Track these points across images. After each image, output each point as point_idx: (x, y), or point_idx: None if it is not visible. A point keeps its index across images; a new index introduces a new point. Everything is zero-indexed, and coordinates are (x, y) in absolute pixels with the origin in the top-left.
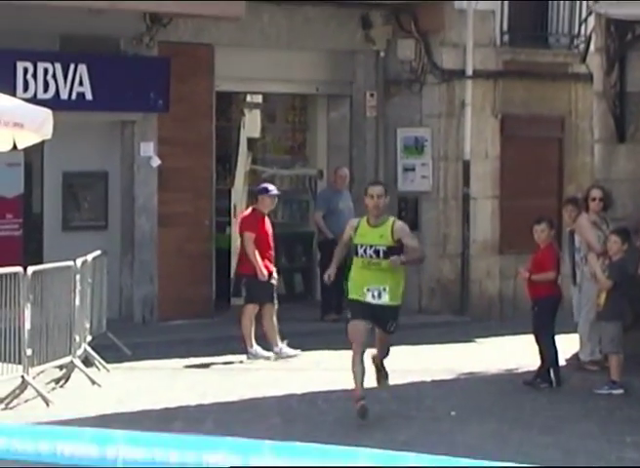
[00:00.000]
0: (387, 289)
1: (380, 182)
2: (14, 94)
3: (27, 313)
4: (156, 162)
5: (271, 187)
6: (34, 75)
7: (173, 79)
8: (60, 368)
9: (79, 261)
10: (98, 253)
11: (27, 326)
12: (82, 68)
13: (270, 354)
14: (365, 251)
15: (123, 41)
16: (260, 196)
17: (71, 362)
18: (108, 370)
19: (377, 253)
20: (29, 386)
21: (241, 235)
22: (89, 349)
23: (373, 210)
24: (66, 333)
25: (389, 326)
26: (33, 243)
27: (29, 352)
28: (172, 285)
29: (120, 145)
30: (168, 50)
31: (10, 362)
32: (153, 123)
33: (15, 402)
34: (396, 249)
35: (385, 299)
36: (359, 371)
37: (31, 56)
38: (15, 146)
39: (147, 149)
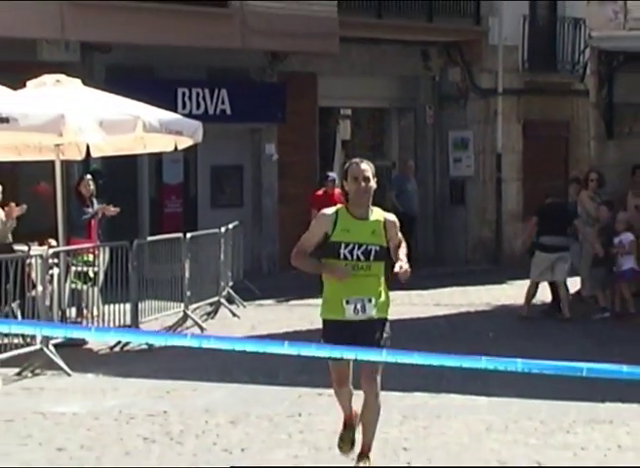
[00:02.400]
0: (374, 300)
1: (362, 160)
2: (175, 111)
3: (187, 266)
4: (275, 157)
5: (331, 174)
6: (189, 97)
7: (288, 98)
8: (210, 305)
9: (223, 229)
10: (235, 223)
11: (187, 275)
12: (223, 92)
13: None
14: (351, 251)
15: (252, 71)
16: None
17: (218, 300)
18: (245, 306)
19: (366, 254)
20: (189, 318)
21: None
22: (230, 291)
23: (361, 197)
24: (215, 280)
25: (380, 339)
26: (190, 216)
27: (188, 294)
28: (288, 245)
29: (251, 146)
30: (284, 77)
31: (175, 301)
32: (274, 130)
33: (179, 329)
34: (386, 250)
35: (371, 313)
36: (346, 399)
37: (187, 83)
38: (176, 148)
39: (270, 149)
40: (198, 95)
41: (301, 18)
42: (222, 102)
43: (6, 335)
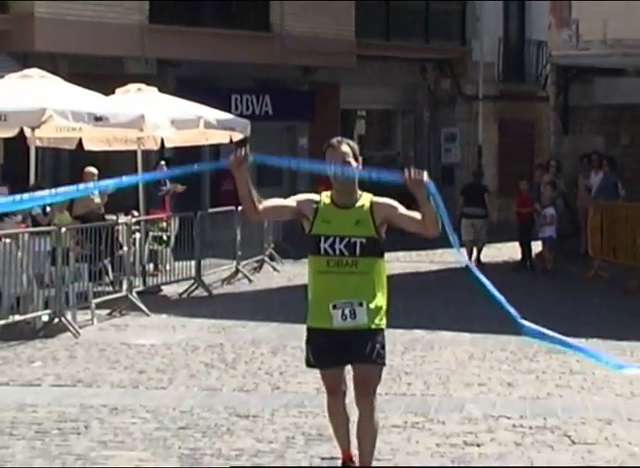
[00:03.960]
0: (365, 303)
1: (342, 141)
2: (229, 112)
3: (238, 232)
4: (305, 146)
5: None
6: (240, 101)
7: (316, 103)
8: (257, 262)
9: None
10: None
11: (238, 238)
12: (267, 97)
13: None
14: (332, 245)
15: (289, 82)
16: None
17: (262, 258)
18: (283, 263)
19: (351, 248)
20: (240, 272)
21: None
22: (272, 251)
23: (342, 183)
24: (260, 242)
25: (372, 353)
26: None
27: (239, 253)
28: None
29: (287, 140)
30: (313, 86)
31: (229, 259)
32: (305, 127)
33: (232, 281)
34: (376, 242)
35: (363, 320)
36: (341, 425)
37: (238, 91)
38: (230, 140)
39: (302, 141)
40: (247, 99)
41: (327, 39)
42: (266, 105)
43: (99, 285)
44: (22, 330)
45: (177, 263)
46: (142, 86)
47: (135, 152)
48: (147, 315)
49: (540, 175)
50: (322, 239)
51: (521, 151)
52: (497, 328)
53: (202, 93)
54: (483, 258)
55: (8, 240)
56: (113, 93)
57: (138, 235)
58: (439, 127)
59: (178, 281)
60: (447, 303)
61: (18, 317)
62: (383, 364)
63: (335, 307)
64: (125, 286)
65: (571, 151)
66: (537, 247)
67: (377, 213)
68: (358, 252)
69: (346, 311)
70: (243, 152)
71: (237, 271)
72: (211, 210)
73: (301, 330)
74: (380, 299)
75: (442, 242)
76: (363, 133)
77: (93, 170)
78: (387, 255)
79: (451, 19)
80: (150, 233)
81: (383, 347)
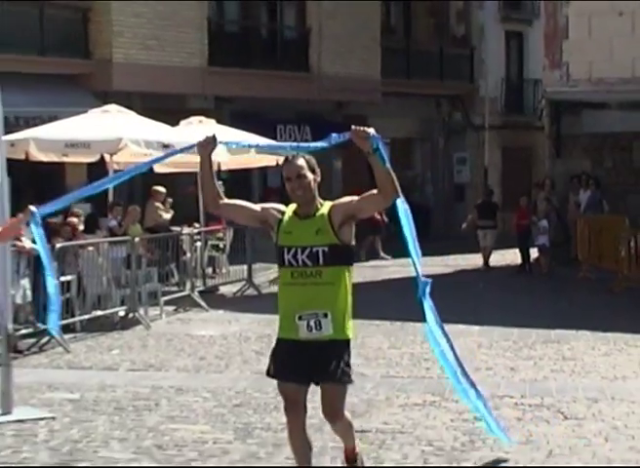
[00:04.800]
0: (330, 314)
1: (298, 156)
2: (275, 140)
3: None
4: (339, 167)
5: None
6: (284, 131)
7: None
8: None
9: None
10: None
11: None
12: (307, 127)
13: None
14: (295, 256)
15: (325, 114)
16: None
17: None
18: None
19: (313, 258)
20: None
21: None
22: None
23: (297, 196)
24: None
25: (337, 370)
26: None
27: None
28: None
29: (323, 164)
30: (346, 118)
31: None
32: (340, 152)
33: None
34: (341, 250)
35: (328, 331)
36: (301, 447)
37: (282, 122)
38: (277, 164)
39: (337, 165)
40: (290, 129)
41: (357, 79)
42: (306, 134)
43: (167, 285)
44: (103, 323)
45: (231, 267)
46: (202, 118)
47: (196, 173)
48: (207, 310)
49: (536, 192)
50: (285, 250)
51: (521, 172)
52: (501, 321)
53: (252, 124)
54: (490, 263)
55: (91, 248)
56: (178, 124)
57: (199, 243)
58: (452, 152)
59: (232, 282)
60: (459, 301)
61: (99, 312)
62: (348, 382)
63: (300, 318)
64: (188, 286)
65: (562, 172)
66: (534, 253)
67: (334, 217)
68: (321, 261)
69: (312, 322)
70: (212, 135)
71: None
72: None
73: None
74: (346, 309)
75: (456, 249)
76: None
77: (161, 189)
78: (408, 261)
79: (461, 61)
80: (209, 242)
81: (348, 364)
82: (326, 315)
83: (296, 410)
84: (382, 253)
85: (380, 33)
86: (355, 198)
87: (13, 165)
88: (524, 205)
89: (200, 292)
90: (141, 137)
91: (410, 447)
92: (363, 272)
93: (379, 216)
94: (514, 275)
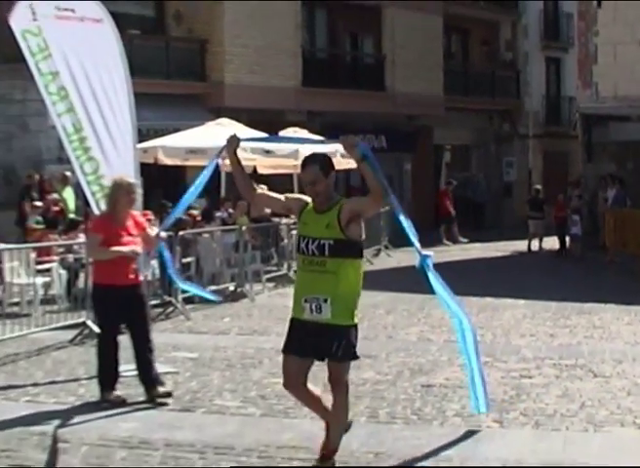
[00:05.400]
0: (330, 300)
1: (309, 161)
2: None
3: (362, 227)
4: (408, 170)
5: (453, 181)
6: (364, 139)
7: (417, 139)
8: (376, 250)
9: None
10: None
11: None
12: (382, 136)
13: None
14: (307, 246)
15: (398, 124)
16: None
17: (379, 247)
18: (394, 251)
19: (320, 249)
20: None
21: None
22: (387, 242)
23: (314, 200)
24: (378, 236)
25: (338, 351)
26: None
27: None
28: (419, 216)
29: (396, 167)
30: (415, 128)
31: None
32: (409, 157)
33: None
34: (346, 244)
35: (327, 315)
36: (312, 402)
37: (362, 131)
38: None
39: (407, 167)
40: (369, 138)
41: (424, 96)
42: (382, 142)
43: (268, 266)
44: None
45: None
46: (297, 129)
47: (292, 175)
48: None
49: (571, 190)
50: (301, 239)
51: (558, 173)
52: (542, 296)
53: (338, 133)
54: (534, 247)
55: (207, 235)
56: (277, 134)
57: (294, 231)
58: (501, 156)
59: None
60: (507, 279)
61: (213, 287)
62: (351, 358)
63: (305, 301)
64: (285, 266)
65: (593, 173)
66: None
67: (342, 215)
68: (327, 252)
69: (313, 305)
70: (233, 134)
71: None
72: None
73: (407, 297)
74: (348, 298)
75: (505, 237)
76: (449, 160)
77: (263, 187)
78: (469, 246)
79: (509, 82)
80: None
81: (350, 343)
82: (326, 300)
83: (294, 386)
84: (444, 241)
85: (443, 58)
86: (360, 197)
87: (144, 168)
88: (561, 200)
89: (295, 272)
90: (247, 145)
91: (467, 399)
92: (415, 257)
93: (449, 208)
94: (553, 258)
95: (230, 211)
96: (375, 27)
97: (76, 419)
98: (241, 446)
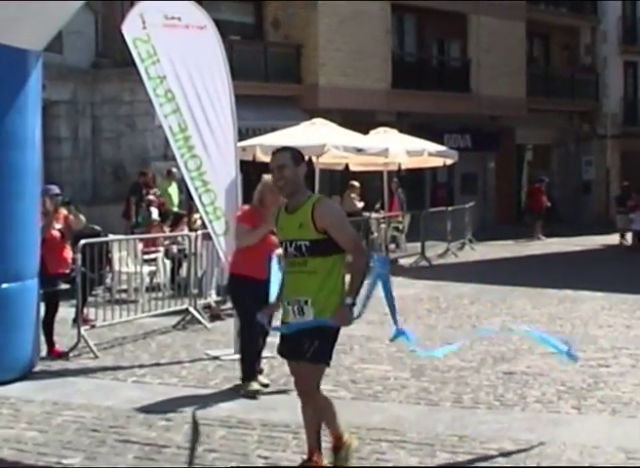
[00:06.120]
0: (311, 302)
1: (280, 150)
2: (443, 145)
3: (449, 223)
4: (493, 167)
5: (545, 178)
6: (450, 138)
7: (500, 139)
8: (461, 243)
9: (467, 205)
10: (472, 203)
11: (448, 227)
12: (467, 136)
13: None
14: (286, 249)
15: (481, 125)
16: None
17: (464, 241)
18: (477, 244)
19: (298, 249)
20: (449, 250)
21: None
22: (471, 236)
23: (279, 186)
24: (462, 230)
25: (309, 350)
26: (450, 199)
27: (449, 237)
28: (499, 215)
29: (480, 165)
30: (498, 128)
31: (443, 241)
32: (493, 155)
33: (444, 256)
34: (323, 241)
35: (309, 317)
36: (305, 421)
37: (449, 131)
38: (444, 164)
39: (491, 165)
40: (455, 137)
41: (507, 98)
42: (467, 141)
43: None
44: None
45: (408, 244)
46: (387, 129)
47: (381, 172)
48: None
49: None
50: (282, 243)
51: (635, 171)
52: (620, 289)
53: (426, 133)
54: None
55: None
56: (368, 133)
57: (383, 226)
58: (581, 155)
59: (409, 255)
60: (586, 272)
61: None
62: (318, 362)
63: (288, 303)
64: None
65: None
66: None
67: (317, 219)
68: (305, 253)
69: (295, 308)
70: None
71: (447, 249)
72: (430, 209)
73: (491, 289)
74: (329, 297)
75: (583, 232)
76: (531, 159)
77: (355, 183)
78: (548, 241)
79: (588, 84)
80: (391, 224)
81: (323, 345)
82: (307, 302)
83: (300, 388)
84: (539, 235)
85: (525, 62)
86: (336, 225)
87: (243, 165)
88: (637, 197)
89: None
90: (341, 143)
91: (547, 386)
92: (511, 248)
93: (544, 204)
94: (629, 252)
95: None
96: (461, 33)
97: (180, 399)
98: None
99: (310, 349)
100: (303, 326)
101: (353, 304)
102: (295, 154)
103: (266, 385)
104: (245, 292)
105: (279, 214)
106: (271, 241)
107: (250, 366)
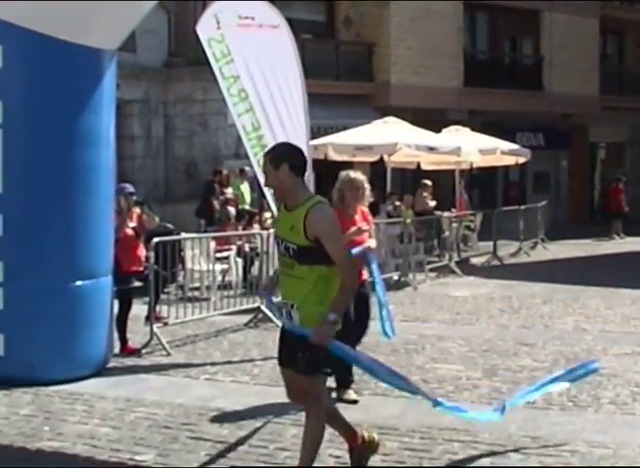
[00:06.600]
0: (296, 306)
1: (264, 154)
2: (516, 143)
3: (521, 222)
4: (565, 166)
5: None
6: (523, 137)
7: (572, 137)
8: (533, 243)
9: (539, 204)
10: (544, 202)
11: (521, 226)
12: (540, 134)
13: None
14: (279, 246)
15: (553, 123)
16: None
17: (536, 240)
18: (549, 243)
19: (287, 250)
20: (522, 249)
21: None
22: (543, 236)
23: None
24: (535, 229)
25: (301, 361)
26: (522, 197)
27: (522, 236)
28: (573, 213)
29: (553, 163)
30: (571, 126)
31: (515, 240)
32: (565, 154)
33: (516, 255)
34: (312, 251)
35: (297, 322)
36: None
37: (522, 129)
38: (516, 163)
39: (563, 164)
40: (527, 136)
41: (580, 96)
42: (539, 139)
43: (430, 256)
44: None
45: (480, 243)
46: (459, 127)
47: (453, 170)
48: (461, 276)
49: None
50: (275, 238)
51: None
52: None
53: (498, 131)
54: None
55: (374, 226)
56: (440, 131)
57: (455, 224)
58: None
59: (481, 255)
60: None
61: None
62: (313, 373)
63: (279, 308)
64: (447, 257)
65: None
66: None
67: (308, 226)
68: (292, 256)
69: (284, 311)
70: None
71: (520, 249)
72: (502, 208)
73: (563, 288)
74: (315, 307)
75: None
76: (603, 157)
77: (428, 182)
78: (621, 240)
79: None
80: (463, 223)
81: (314, 356)
82: (294, 306)
83: (291, 395)
84: (615, 235)
85: (599, 59)
86: (328, 236)
87: (314, 163)
88: None
89: (456, 262)
90: (413, 142)
91: (621, 387)
92: (584, 248)
93: (623, 203)
94: None
95: (397, 203)
96: (533, 30)
97: (251, 397)
98: (404, 426)
99: (303, 361)
100: (291, 329)
101: (335, 322)
102: (272, 157)
103: (354, 402)
104: None
105: (280, 208)
106: (359, 240)
107: (343, 374)
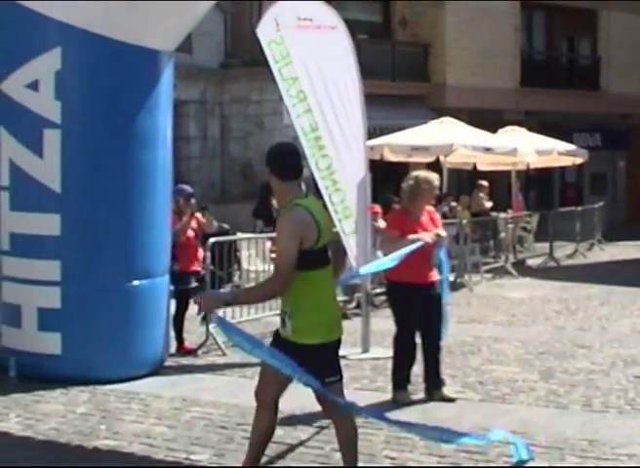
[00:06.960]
0: (289, 313)
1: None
2: (573, 144)
3: (577, 223)
4: (622, 166)
5: None
6: (580, 137)
7: (631, 138)
8: (589, 244)
9: (596, 205)
10: (601, 203)
11: (577, 228)
12: (597, 134)
13: None
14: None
15: (611, 124)
16: None
17: (593, 242)
18: (606, 244)
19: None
20: (578, 251)
21: None
22: (600, 237)
23: None
24: (591, 230)
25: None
26: (579, 198)
27: (578, 237)
28: (632, 214)
29: (610, 164)
30: (629, 127)
31: (571, 242)
32: (623, 154)
33: (573, 256)
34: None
35: (289, 330)
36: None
37: (577, 130)
38: (573, 163)
39: (621, 164)
40: (584, 136)
41: (638, 96)
42: (596, 140)
43: (486, 257)
44: None
45: (536, 244)
46: (516, 128)
47: (509, 171)
48: (517, 278)
49: None
50: None
51: None
52: None
53: (555, 131)
54: None
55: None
56: (496, 132)
57: (511, 225)
58: None
59: (537, 256)
60: None
61: None
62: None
63: (278, 315)
64: (503, 258)
65: None
66: None
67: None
68: None
69: (279, 319)
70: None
71: (576, 250)
72: (559, 209)
73: (621, 290)
74: (306, 314)
75: None
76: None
77: (484, 182)
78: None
79: None
80: (519, 224)
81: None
82: (286, 313)
83: (262, 393)
84: None
85: None
86: (278, 235)
87: (371, 164)
88: None
89: (512, 264)
90: (469, 143)
91: None
92: (627, 251)
93: None
94: None
95: (453, 204)
96: (590, 29)
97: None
98: (460, 428)
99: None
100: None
101: (227, 302)
102: (269, 160)
103: (451, 400)
104: (401, 300)
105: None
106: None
107: (399, 375)
